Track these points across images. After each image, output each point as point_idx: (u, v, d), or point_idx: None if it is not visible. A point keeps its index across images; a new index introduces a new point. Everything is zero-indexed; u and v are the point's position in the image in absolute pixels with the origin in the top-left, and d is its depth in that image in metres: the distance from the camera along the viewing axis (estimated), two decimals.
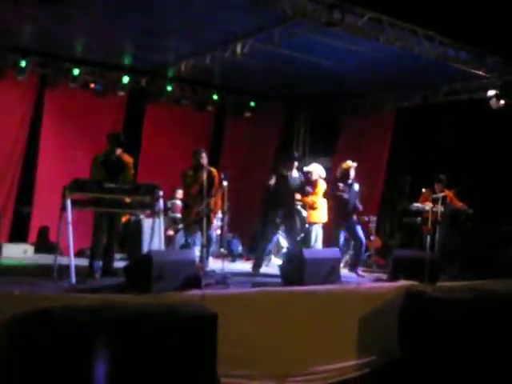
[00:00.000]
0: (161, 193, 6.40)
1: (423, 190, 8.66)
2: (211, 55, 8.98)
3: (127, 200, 6.49)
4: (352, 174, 8.27)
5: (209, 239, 7.26)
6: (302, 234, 9.22)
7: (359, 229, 8.38)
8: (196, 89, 11.11)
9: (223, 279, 6.39)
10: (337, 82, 10.37)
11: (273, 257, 9.17)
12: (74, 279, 5.74)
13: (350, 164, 8.32)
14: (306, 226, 9.08)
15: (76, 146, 9.58)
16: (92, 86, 10.00)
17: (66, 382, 3.88)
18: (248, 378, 5.33)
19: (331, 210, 8.65)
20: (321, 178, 9.01)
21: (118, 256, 7.66)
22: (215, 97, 11.26)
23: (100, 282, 6.16)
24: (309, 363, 5.79)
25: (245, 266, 8.81)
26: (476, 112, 9.37)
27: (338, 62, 9.09)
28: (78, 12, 7.42)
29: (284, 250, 9.13)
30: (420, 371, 6.06)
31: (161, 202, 6.45)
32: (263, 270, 7.98)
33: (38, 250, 8.90)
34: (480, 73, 8.78)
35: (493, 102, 9.12)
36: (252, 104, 11.79)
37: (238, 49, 8.36)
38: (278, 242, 9.13)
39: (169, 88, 10.58)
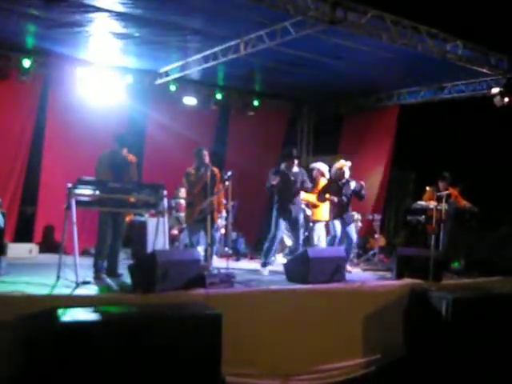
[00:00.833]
0: (165, 192, 6.41)
1: (427, 188, 8.65)
2: (214, 54, 8.99)
3: (132, 199, 6.49)
4: (347, 172, 8.29)
5: (212, 238, 7.25)
6: (306, 233, 9.22)
7: (352, 227, 8.42)
8: (199, 88, 11.11)
9: (227, 278, 6.38)
10: (340, 81, 10.37)
11: (277, 255, 9.17)
12: (78, 279, 5.75)
13: (344, 163, 8.36)
14: (310, 224, 9.09)
15: (80, 146, 9.57)
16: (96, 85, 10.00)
17: (70, 382, 3.90)
18: (253, 377, 5.34)
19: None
20: (322, 175, 9.00)
21: (122, 255, 7.67)
22: (219, 96, 11.27)
23: (105, 282, 6.17)
24: (313, 362, 5.80)
25: (249, 265, 8.81)
26: (480, 109, 9.34)
27: (341, 61, 9.08)
28: (81, 12, 7.43)
29: (288, 249, 9.14)
30: (425, 369, 6.07)
31: (165, 201, 6.45)
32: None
33: (42, 250, 8.93)
34: (484, 70, 8.75)
35: (497, 99, 9.10)
36: (255, 103, 11.80)
37: (242, 47, 8.37)
38: (282, 240, 9.12)
39: (172, 87, 10.59)
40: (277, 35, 7.86)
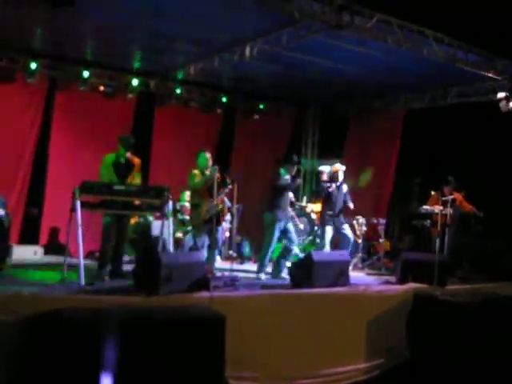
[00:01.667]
0: (170, 195, 6.42)
1: (432, 192, 8.64)
2: (220, 57, 9.02)
3: (136, 202, 6.52)
4: (341, 176, 8.33)
5: (216, 241, 7.26)
6: (311, 237, 9.23)
7: (347, 227, 8.46)
8: (205, 91, 11.14)
9: (231, 281, 6.39)
10: (345, 84, 10.37)
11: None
12: (83, 281, 5.77)
13: (339, 167, 8.45)
14: (315, 228, 9.08)
15: (86, 148, 9.62)
16: (102, 88, 10.06)
17: (75, 383, 3.91)
18: (256, 381, 5.33)
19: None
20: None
21: (126, 258, 7.69)
22: (224, 99, 11.28)
23: (109, 284, 6.18)
24: (317, 366, 5.78)
25: (254, 268, 8.79)
26: (485, 114, 9.32)
27: (347, 64, 9.08)
28: (88, 15, 7.47)
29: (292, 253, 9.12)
30: (428, 374, 6.04)
31: (170, 204, 6.47)
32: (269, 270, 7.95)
33: (47, 252, 8.95)
34: (490, 75, 8.74)
35: (502, 104, 9.09)
36: (261, 106, 11.81)
37: (247, 51, 8.39)
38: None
39: (178, 91, 10.63)
40: (283, 39, 7.87)
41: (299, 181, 8.00)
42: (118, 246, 6.68)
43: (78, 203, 5.87)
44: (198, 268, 5.81)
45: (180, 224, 9.28)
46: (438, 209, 8.25)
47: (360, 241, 9.33)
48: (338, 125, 12.40)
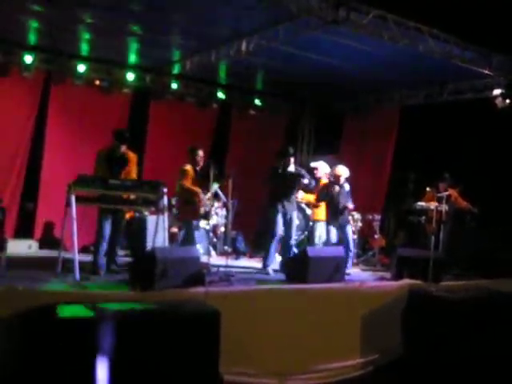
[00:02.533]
0: (165, 190, 6.42)
1: (427, 189, 8.64)
2: (216, 53, 8.99)
3: (132, 197, 6.51)
4: (342, 179, 8.33)
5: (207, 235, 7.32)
6: (306, 232, 9.22)
7: (349, 229, 8.48)
8: (201, 86, 11.11)
9: (226, 276, 6.39)
10: (342, 80, 10.35)
11: (277, 254, 9.16)
12: (77, 275, 5.76)
13: (342, 172, 8.37)
14: (310, 223, 9.08)
15: (81, 143, 9.60)
16: (97, 82, 10.01)
17: (68, 379, 3.90)
18: (251, 376, 5.34)
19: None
20: (326, 176, 9.00)
21: (121, 253, 7.68)
22: (220, 94, 11.25)
23: (104, 279, 6.18)
24: (311, 361, 5.80)
25: (249, 263, 8.82)
26: (481, 111, 9.33)
27: (343, 60, 9.07)
28: (83, 8, 7.43)
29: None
30: (423, 370, 6.06)
31: (165, 198, 6.46)
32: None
33: (42, 246, 8.93)
34: (485, 71, 8.74)
35: (498, 100, 9.10)
36: (257, 102, 11.79)
37: (244, 46, 8.37)
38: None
39: (174, 85, 10.60)
40: (279, 34, 7.85)
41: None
42: (114, 240, 6.68)
43: (73, 197, 5.86)
44: (194, 263, 5.81)
45: (175, 219, 9.26)
46: (433, 205, 8.27)
47: (355, 236, 9.33)
48: (334, 121, 12.40)
